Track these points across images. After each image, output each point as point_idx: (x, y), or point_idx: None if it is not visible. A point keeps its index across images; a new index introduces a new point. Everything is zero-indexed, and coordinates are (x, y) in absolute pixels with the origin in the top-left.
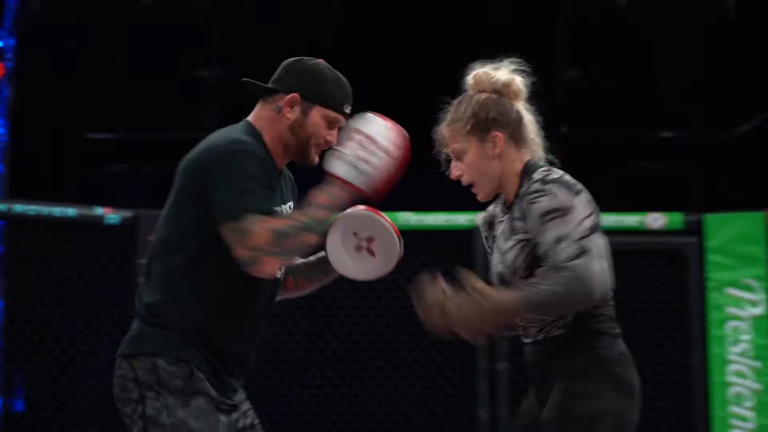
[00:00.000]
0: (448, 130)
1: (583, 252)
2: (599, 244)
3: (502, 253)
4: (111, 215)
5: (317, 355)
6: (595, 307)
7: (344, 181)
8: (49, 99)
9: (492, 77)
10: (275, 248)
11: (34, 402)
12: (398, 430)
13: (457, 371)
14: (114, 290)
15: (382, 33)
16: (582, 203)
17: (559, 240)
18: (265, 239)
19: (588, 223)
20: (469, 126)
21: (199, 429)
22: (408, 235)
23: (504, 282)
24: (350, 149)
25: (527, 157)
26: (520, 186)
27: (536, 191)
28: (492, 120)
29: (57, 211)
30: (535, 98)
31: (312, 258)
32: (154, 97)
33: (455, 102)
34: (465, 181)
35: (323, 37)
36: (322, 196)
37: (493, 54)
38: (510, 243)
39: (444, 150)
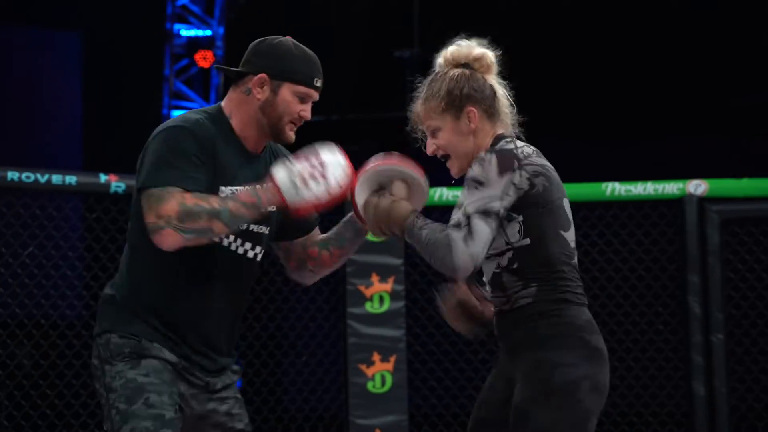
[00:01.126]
0: (422, 108)
1: (464, 226)
2: (482, 229)
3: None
4: None
5: None
6: (556, 279)
7: (278, 191)
8: None
9: (463, 52)
10: (179, 224)
11: (252, 378)
12: (609, 404)
13: (670, 344)
14: None
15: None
16: (500, 184)
17: (460, 206)
18: (173, 211)
19: (488, 204)
20: (443, 103)
21: (148, 383)
22: (615, 206)
23: None
24: (301, 167)
25: (500, 131)
26: None
27: (480, 158)
28: (466, 96)
29: None
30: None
31: (335, 228)
32: (355, 79)
33: (428, 79)
34: (440, 155)
35: (518, 12)
36: (250, 193)
37: None
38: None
39: (419, 127)
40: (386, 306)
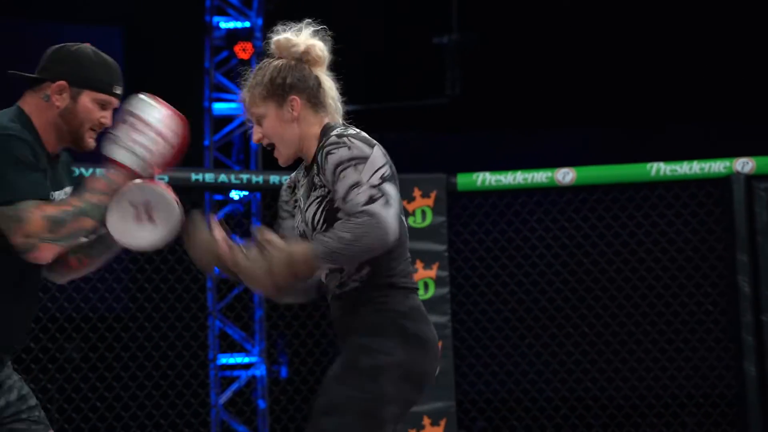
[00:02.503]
0: (248, 95)
1: (378, 196)
2: (393, 192)
3: (304, 212)
4: None
5: (572, 313)
6: (389, 261)
7: (120, 164)
8: None
9: (292, 44)
10: (51, 235)
11: (298, 368)
12: (659, 387)
13: (720, 324)
14: None
15: None
16: (378, 154)
17: (353, 186)
18: (40, 226)
19: (383, 171)
20: (266, 91)
21: None
22: (660, 186)
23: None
24: (123, 132)
25: (326, 121)
26: (319, 146)
27: (333, 143)
28: (289, 85)
29: None
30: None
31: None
32: (395, 65)
33: (257, 67)
34: (265, 143)
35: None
36: (99, 180)
37: None
38: (310, 200)
39: (247, 114)
40: (431, 292)
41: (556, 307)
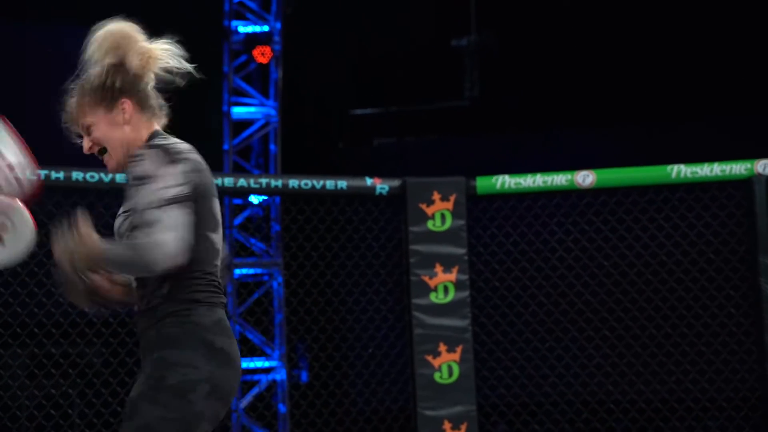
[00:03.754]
0: (75, 106)
1: (148, 224)
2: (178, 215)
3: (117, 220)
4: (380, 185)
5: (593, 316)
6: (189, 279)
7: None
8: (316, 78)
9: (121, 46)
10: None
11: (318, 372)
12: (681, 390)
13: (742, 327)
14: (387, 258)
15: None
16: (171, 173)
17: (137, 207)
18: None
19: (173, 193)
20: (96, 97)
21: None
22: (681, 188)
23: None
24: None
25: (155, 127)
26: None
27: (137, 156)
28: (119, 89)
29: (330, 183)
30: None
31: None
32: (414, 68)
33: (84, 75)
34: (96, 151)
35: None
36: None
37: None
38: (121, 209)
39: (74, 127)
40: (451, 296)
41: (576, 310)
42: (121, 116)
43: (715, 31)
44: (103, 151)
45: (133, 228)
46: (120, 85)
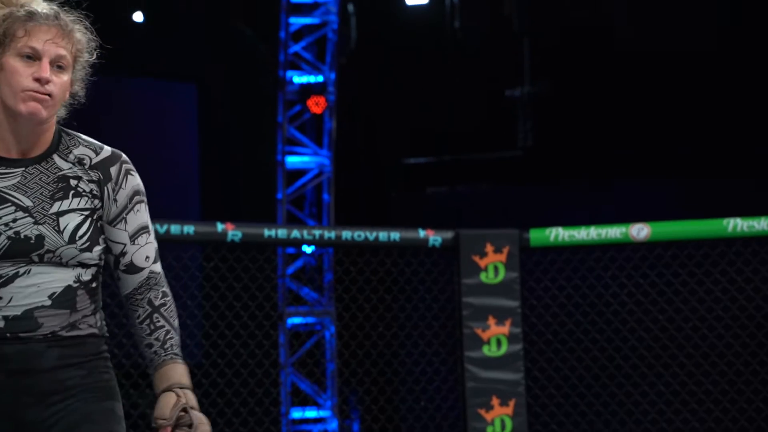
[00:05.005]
0: (75, 31)
1: (158, 256)
2: None
3: (46, 214)
4: (434, 237)
5: (648, 371)
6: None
7: None
8: (370, 127)
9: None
10: None
11: (370, 424)
12: (721, 429)
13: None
14: (439, 310)
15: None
16: None
17: (144, 229)
18: None
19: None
20: (81, 46)
21: None
22: (737, 242)
23: (34, 249)
24: None
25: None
26: (58, 138)
27: (127, 161)
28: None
29: (383, 235)
30: None
31: None
32: (466, 118)
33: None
34: (45, 98)
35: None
36: None
37: None
38: (61, 205)
39: (52, 50)
40: (504, 349)
41: (631, 365)
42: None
43: None
44: (47, 100)
45: (101, 232)
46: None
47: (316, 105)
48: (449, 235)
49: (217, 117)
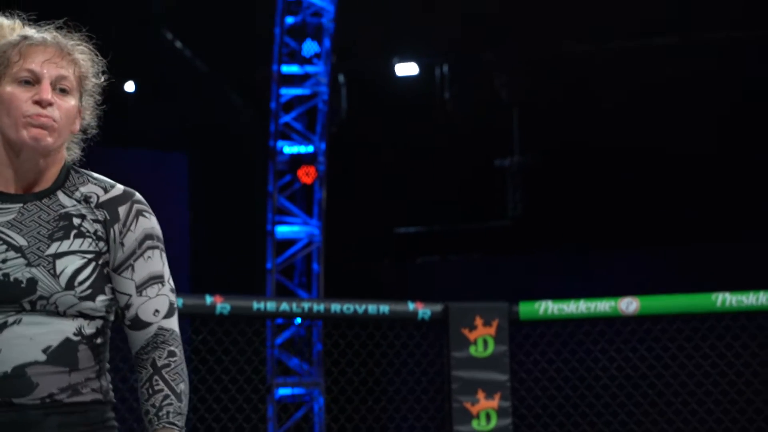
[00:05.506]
0: (78, 53)
1: (175, 305)
2: None
3: (41, 255)
4: (423, 309)
5: (668, 426)
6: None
7: None
8: (360, 196)
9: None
10: None
11: None
12: None
13: None
14: (428, 384)
15: None
16: None
17: (156, 279)
18: None
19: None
20: (87, 69)
21: None
22: (727, 316)
23: (26, 294)
24: None
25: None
26: (65, 174)
27: (141, 201)
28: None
29: (372, 308)
30: None
31: None
32: (456, 188)
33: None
34: (48, 121)
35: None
36: None
37: None
38: (60, 245)
39: (54, 66)
40: (493, 423)
41: None
42: (79, 114)
43: (758, 153)
44: (50, 127)
45: (107, 280)
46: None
47: (306, 175)
48: (438, 307)
49: (208, 186)
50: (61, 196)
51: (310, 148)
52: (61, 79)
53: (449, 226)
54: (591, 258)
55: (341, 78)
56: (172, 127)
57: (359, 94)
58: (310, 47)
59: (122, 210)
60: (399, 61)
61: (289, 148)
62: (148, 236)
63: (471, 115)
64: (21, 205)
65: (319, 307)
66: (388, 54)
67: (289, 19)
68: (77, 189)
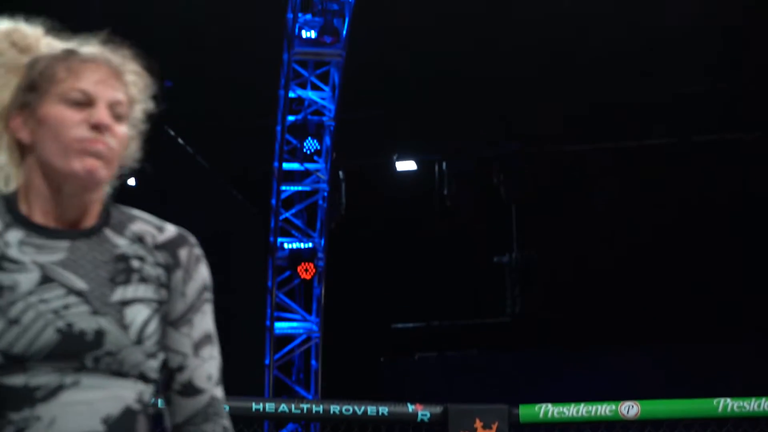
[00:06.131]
0: (137, 78)
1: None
2: None
3: (107, 302)
4: (422, 411)
5: None
6: None
7: None
8: (359, 292)
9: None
10: None
11: None
12: None
13: None
14: None
15: None
16: None
17: (209, 339)
18: None
19: None
20: (141, 93)
21: None
22: (729, 422)
23: (91, 349)
24: None
25: None
26: (107, 210)
27: (197, 244)
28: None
29: (371, 409)
30: None
31: None
32: (455, 284)
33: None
34: (105, 149)
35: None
36: None
37: None
38: (129, 293)
39: (111, 89)
40: None
41: None
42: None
43: (759, 251)
44: (106, 158)
45: (166, 334)
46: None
47: (306, 271)
48: (438, 409)
49: None
50: (110, 234)
51: (310, 245)
52: (117, 104)
53: (447, 322)
54: (590, 355)
55: (341, 174)
56: (173, 223)
57: (359, 190)
58: (310, 145)
59: (183, 254)
60: (398, 158)
61: (289, 244)
62: (206, 287)
63: (470, 211)
64: (69, 242)
65: (318, 408)
66: (388, 150)
67: (291, 117)
68: (126, 227)
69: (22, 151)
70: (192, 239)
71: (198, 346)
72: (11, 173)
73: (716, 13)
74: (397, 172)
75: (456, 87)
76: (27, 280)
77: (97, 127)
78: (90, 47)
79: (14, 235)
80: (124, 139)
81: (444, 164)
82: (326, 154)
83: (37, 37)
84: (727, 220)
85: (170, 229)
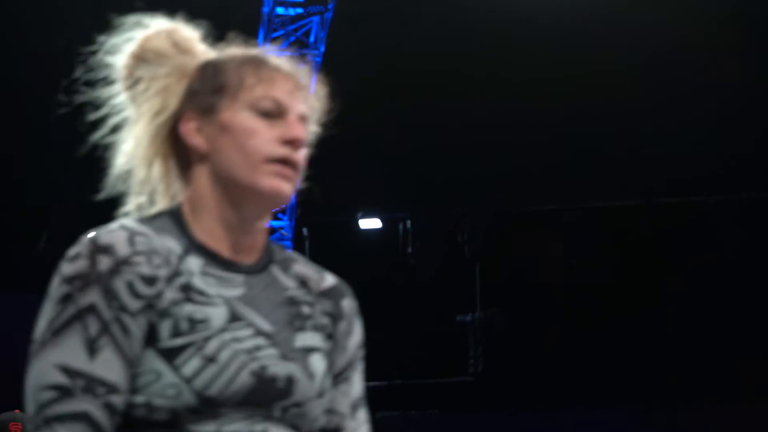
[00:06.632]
0: (319, 87)
1: None
2: None
3: (293, 348)
4: None
5: None
6: None
7: None
8: None
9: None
10: None
11: None
12: None
13: None
14: None
15: None
16: None
17: (364, 400)
18: None
19: None
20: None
21: None
22: None
23: (281, 397)
24: None
25: None
26: (267, 242)
27: (353, 296)
28: None
29: None
30: None
31: None
32: (417, 342)
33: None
34: (299, 156)
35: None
36: None
37: None
38: (308, 340)
39: (300, 100)
40: None
41: None
42: None
43: (726, 315)
44: (297, 167)
45: (363, 426)
46: None
47: None
48: None
49: None
50: (277, 273)
51: None
52: (304, 118)
53: (410, 381)
54: (553, 415)
55: (305, 231)
56: None
57: (323, 247)
58: None
59: (346, 305)
60: (362, 216)
61: None
62: (363, 343)
63: (433, 269)
64: (244, 276)
65: None
66: (352, 208)
67: None
68: (289, 266)
69: (188, 161)
70: (351, 290)
71: (355, 406)
72: (159, 189)
73: None
74: (360, 230)
75: (424, 150)
76: (217, 315)
77: (292, 143)
78: (275, 57)
79: (194, 263)
80: (304, 158)
81: (408, 222)
82: (290, 212)
83: (196, 40)
84: (702, 281)
85: (330, 277)
